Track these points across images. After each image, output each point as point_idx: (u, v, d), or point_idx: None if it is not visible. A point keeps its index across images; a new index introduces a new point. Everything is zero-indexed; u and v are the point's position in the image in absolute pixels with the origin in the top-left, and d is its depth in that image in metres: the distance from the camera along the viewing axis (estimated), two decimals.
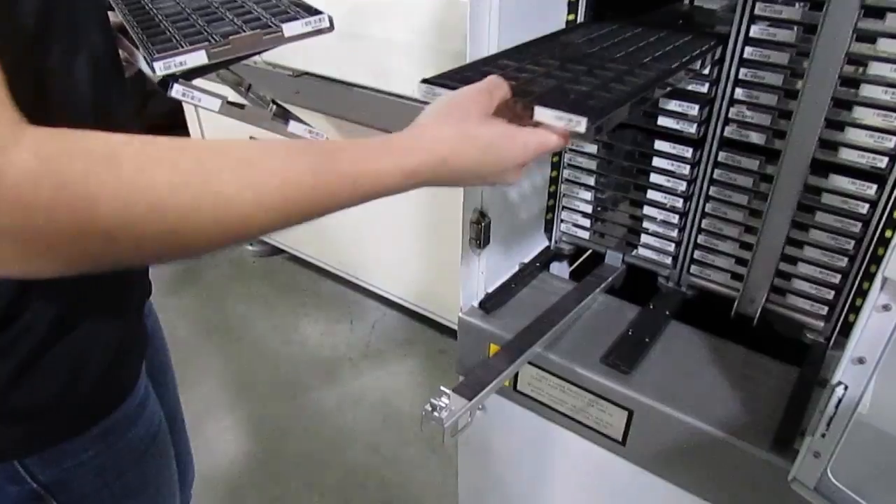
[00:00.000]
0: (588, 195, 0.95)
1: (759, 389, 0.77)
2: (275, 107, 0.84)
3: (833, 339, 0.81)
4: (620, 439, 0.81)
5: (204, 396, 1.93)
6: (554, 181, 0.96)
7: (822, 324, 0.81)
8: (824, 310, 0.80)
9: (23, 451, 0.59)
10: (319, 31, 0.68)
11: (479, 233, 0.84)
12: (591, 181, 0.93)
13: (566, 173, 0.94)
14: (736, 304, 0.85)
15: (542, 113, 0.54)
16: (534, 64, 0.66)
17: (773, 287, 0.82)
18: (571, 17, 0.84)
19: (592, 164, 0.92)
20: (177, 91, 0.67)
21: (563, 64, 0.66)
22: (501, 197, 0.87)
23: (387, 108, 1.62)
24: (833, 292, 0.79)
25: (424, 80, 0.60)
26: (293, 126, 0.74)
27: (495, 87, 0.55)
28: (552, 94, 0.58)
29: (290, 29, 0.67)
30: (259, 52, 0.71)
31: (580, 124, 0.52)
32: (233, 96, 0.76)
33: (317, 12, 0.69)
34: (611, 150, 0.89)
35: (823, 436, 0.58)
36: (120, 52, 0.74)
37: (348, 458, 1.78)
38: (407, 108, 1.57)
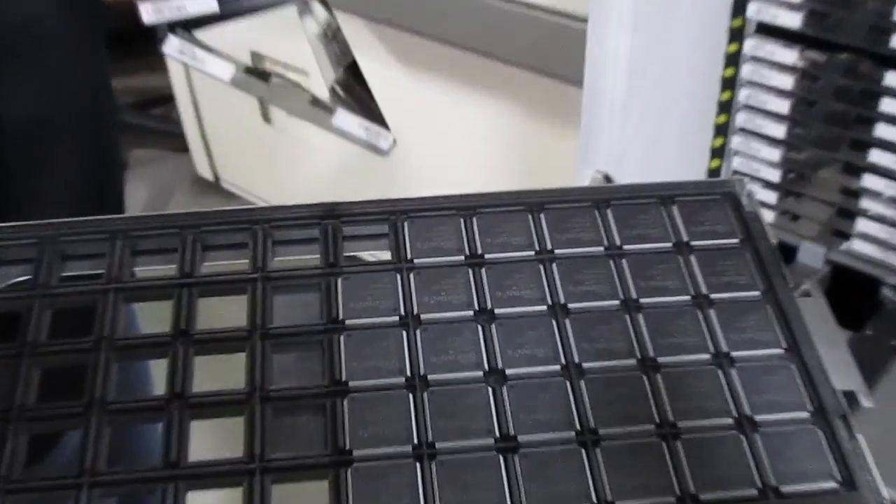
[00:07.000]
0: (776, 154, 0.67)
1: None
2: (335, 88, 0.63)
3: None
4: None
5: None
6: (721, 129, 0.69)
7: None
8: None
9: None
10: None
11: None
12: (782, 132, 0.65)
13: (740, 119, 0.67)
14: None
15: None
16: None
17: None
18: None
19: (785, 107, 0.64)
20: (172, 47, 0.53)
21: None
22: (637, 153, 0.66)
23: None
24: None
25: None
26: (341, 118, 0.52)
27: None
28: None
29: None
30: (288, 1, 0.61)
31: None
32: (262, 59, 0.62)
33: None
34: (814, 82, 0.61)
35: None
36: None
37: None
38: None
